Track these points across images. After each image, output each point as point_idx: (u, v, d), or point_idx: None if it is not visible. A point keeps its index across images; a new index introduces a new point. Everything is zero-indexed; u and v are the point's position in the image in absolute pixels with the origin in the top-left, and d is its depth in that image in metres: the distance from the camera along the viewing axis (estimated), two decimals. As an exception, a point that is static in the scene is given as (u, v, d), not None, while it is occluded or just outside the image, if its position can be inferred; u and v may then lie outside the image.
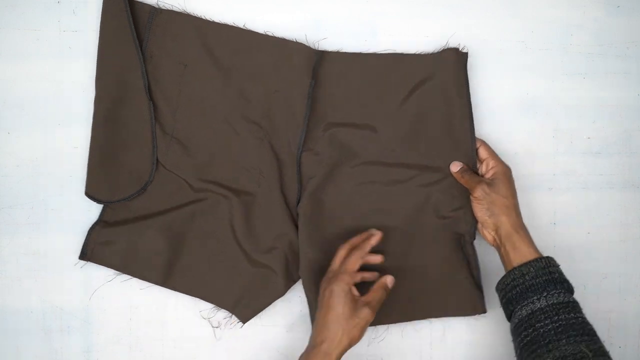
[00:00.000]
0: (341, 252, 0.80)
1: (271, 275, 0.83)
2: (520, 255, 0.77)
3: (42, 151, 0.86)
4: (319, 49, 0.85)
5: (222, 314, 0.85)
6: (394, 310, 0.84)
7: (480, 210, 0.82)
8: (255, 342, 0.86)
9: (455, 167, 0.84)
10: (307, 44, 0.84)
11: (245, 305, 0.84)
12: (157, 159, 0.84)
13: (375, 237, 0.81)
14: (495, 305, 0.86)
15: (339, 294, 0.75)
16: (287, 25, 0.85)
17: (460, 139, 0.85)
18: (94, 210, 0.86)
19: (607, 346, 0.71)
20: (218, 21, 0.85)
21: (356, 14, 0.87)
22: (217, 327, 0.86)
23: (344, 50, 0.85)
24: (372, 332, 0.86)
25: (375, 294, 0.78)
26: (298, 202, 0.85)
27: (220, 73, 0.85)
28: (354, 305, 0.76)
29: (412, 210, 0.85)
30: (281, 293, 0.84)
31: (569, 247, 0.88)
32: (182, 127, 0.85)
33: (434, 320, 0.86)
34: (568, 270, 0.77)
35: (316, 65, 0.84)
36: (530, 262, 0.76)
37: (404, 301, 0.84)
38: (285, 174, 0.85)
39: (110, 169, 0.83)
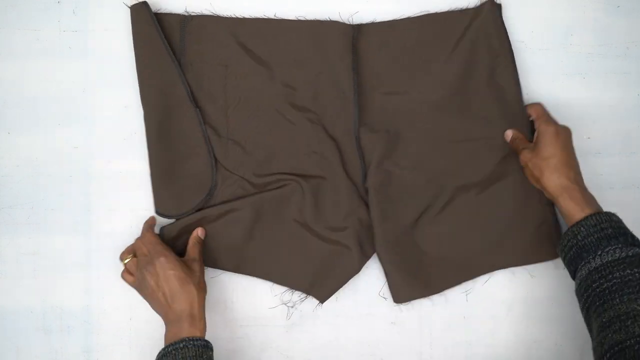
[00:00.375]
0: (137, 242, 0.81)
1: (345, 252, 0.84)
2: (569, 217, 0.76)
3: (42, 151, 0.86)
4: (354, 24, 0.85)
5: (296, 295, 0.86)
6: (473, 265, 0.84)
7: (529, 178, 0.82)
8: (255, 342, 0.86)
9: (507, 136, 0.84)
10: (341, 21, 0.85)
11: (321, 284, 0.84)
12: (216, 163, 0.85)
13: (148, 219, 0.84)
14: (487, 312, 0.86)
15: (167, 264, 0.77)
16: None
17: (504, 89, 0.85)
18: (94, 210, 0.86)
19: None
20: (249, 16, 0.86)
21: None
22: (292, 307, 0.86)
23: (378, 20, 0.86)
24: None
25: (193, 249, 0.82)
26: (364, 179, 0.85)
27: (261, 67, 0.85)
28: (184, 265, 0.78)
29: (477, 165, 0.85)
30: (357, 269, 0.84)
31: (569, 247, 0.88)
32: (235, 127, 0.85)
33: (434, 318, 0.86)
34: (568, 270, 0.77)
35: (354, 40, 0.85)
36: (581, 221, 0.74)
37: (484, 254, 0.84)
38: (344, 152, 0.85)
39: (173, 183, 0.84)
